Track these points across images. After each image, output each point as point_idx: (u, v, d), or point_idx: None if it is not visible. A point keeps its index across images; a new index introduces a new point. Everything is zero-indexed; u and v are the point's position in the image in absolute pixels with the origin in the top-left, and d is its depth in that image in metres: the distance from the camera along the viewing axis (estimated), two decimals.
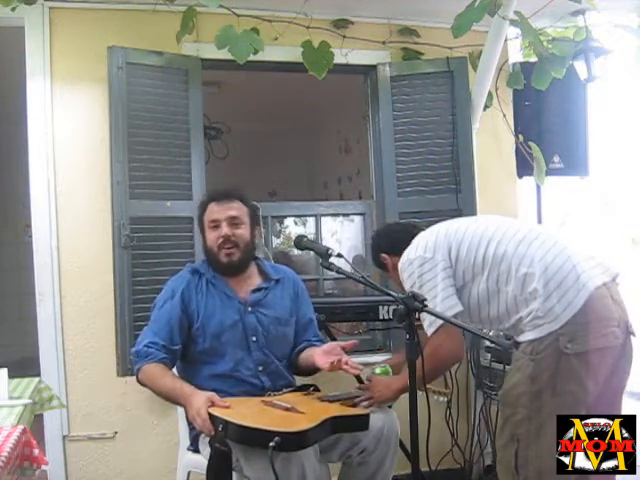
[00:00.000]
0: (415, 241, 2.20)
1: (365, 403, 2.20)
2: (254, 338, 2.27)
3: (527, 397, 1.91)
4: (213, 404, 1.96)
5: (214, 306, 2.27)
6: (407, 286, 2.11)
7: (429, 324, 2.06)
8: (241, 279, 2.35)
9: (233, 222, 2.30)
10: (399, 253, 2.22)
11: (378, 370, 2.47)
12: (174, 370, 2.26)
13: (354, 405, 2.19)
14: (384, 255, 2.45)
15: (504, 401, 2.01)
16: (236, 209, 2.32)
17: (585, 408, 1.90)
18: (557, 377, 1.87)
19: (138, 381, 2.18)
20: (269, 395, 2.19)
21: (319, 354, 2.22)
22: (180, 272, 2.39)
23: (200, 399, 1.97)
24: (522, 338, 1.96)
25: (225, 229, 2.28)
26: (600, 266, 1.97)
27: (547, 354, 1.88)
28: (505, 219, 2.22)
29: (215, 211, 2.31)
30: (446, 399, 3.20)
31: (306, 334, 2.42)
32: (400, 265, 2.19)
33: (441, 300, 2.03)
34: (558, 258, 1.94)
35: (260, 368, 2.26)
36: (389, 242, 2.44)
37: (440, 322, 2.01)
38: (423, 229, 2.30)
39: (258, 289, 2.35)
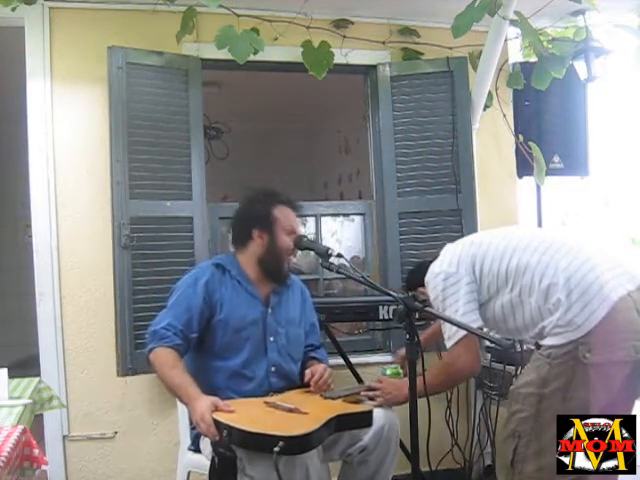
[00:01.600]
0: (441, 255, 2.21)
1: (373, 402, 2.22)
2: (272, 338, 2.28)
3: (536, 398, 1.92)
4: (217, 409, 1.95)
5: (239, 301, 2.27)
6: (431, 298, 2.14)
7: (448, 337, 2.09)
8: (264, 282, 2.35)
9: None
10: None
11: (389, 371, 2.46)
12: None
13: (357, 401, 2.19)
14: (422, 290, 2.38)
15: (513, 397, 2.02)
16: None
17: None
18: (571, 384, 1.88)
19: (148, 360, 2.16)
20: (272, 395, 2.19)
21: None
22: (202, 263, 2.41)
23: (204, 404, 1.96)
24: (543, 342, 1.98)
25: None
26: (626, 274, 1.95)
27: (564, 360, 1.89)
28: (531, 229, 2.22)
29: (294, 219, 2.35)
30: (445, 397, 3.20)
31: (309, 339, 2.46)
32: (426, 278, 2.20)
33: (461, 315, 2.05)
34: (582, 268, 1.93)
35: (273, 369, 2.27)
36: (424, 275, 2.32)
37: (459, 336, 2.04)
38: None
39: (276, 292, 2.36)
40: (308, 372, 2.27)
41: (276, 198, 2.36)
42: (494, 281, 2.07)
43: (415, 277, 2.54)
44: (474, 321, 2.05)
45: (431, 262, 2.24)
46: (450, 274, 2.10)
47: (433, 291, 2.15)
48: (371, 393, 2.26)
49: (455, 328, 2.05)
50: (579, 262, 1.95)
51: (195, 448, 2.28)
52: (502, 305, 2.07)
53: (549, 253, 2.00)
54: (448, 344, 2.10)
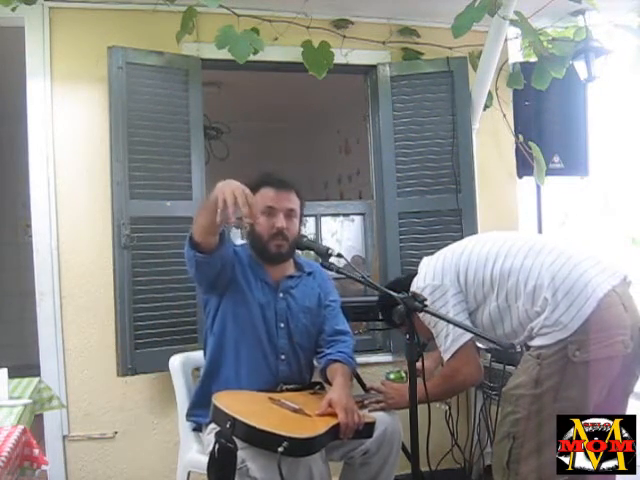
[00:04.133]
0: (422, 269, 2.19)
1: (375, 406, 2.21)
2: (282, 324, 2.28)
3: (528, 399, 1.91)
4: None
5: (251, 282, 2.27)
6: (420, 314, 2.07)
7: (444, 350, 2.08)
8: (277, 267, 2.34)
9: (289, 215, 2.26)
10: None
11: (392, 375, 2.44)
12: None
13: (361, 409, 2.18)
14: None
15: (505, 399, 2.02)
16: (293, 201, 2.28)
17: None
18: (562, 383, 1.88)
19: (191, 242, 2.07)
20: (281, 388, 2.20)
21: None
22: None
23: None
24: (532, 343, 1.98)
25: (282, 221, 2.23)
26: (609, 269, 1.96)
27: (554, 360, 1.89)
28: (510, 233, 2.21)
29: (273, 198, 2.24)
30: (447, 407, 3.19)
31: (330, 320, 2.39)
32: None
33: (453, 327, 2.03)
34: (565, 267, 1.93)
35: (282, 357, 2.26)
36: (403, 286, 2.17)
37: (456, 346, 2.04)
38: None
39: (290, 277, 2.36)
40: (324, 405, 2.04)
41: (262, 180, 2.29)
42: (480, 289, 2.06)
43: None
44: (466, 332, 2.03)
45: (406, 279, 2.20)
46: (436, 287, 2.09)
47: None
48: (374, 398, 2.26)
49: (450, 340, 2.05)
50: (562, 261, 1.95)
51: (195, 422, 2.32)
52: (490, 312, 2.06)
53: (531, 255, 2.00)
54: (445, 356, 2.09)
